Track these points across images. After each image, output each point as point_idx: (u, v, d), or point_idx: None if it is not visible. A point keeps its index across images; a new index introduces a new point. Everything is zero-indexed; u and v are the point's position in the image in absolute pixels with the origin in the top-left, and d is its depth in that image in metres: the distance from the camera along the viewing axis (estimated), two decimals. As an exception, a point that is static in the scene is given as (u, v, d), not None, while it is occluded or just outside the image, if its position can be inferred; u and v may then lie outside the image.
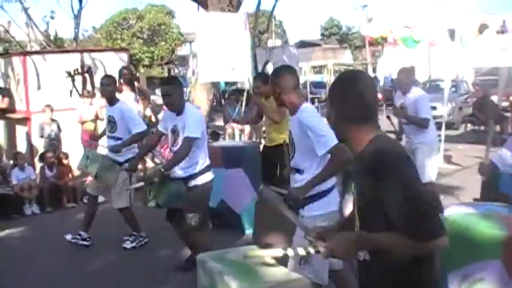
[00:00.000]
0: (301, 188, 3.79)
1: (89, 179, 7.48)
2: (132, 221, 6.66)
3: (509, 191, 4.65)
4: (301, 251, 2.34)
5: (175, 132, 5.38)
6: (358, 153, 2.33)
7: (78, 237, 6.74)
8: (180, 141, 5.29)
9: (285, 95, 4.01)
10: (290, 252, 2.34)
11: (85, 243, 6.70)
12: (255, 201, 5.98)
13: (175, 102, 5.33)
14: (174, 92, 5.32)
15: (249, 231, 6.67)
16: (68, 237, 6.78)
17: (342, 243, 2.25)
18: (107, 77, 6.87)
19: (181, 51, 41.02)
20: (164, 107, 7.08)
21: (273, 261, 2.48)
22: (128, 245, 6.58)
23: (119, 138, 6.42)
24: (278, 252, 2.36)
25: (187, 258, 5.79)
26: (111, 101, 6.52)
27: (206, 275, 2.48)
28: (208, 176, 5.43)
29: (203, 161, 5.40)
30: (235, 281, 2.25)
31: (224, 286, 2.30)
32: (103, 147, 6.76)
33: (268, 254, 2.38)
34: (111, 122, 6.49)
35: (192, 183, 5.33)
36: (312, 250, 2.33)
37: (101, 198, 7.19)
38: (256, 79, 7.67)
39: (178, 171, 5.32)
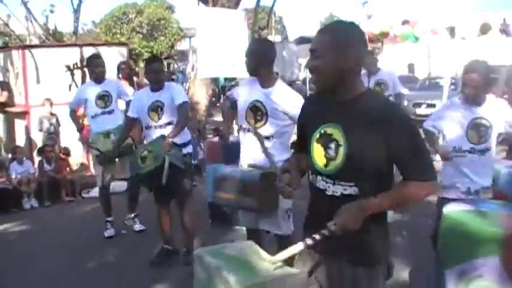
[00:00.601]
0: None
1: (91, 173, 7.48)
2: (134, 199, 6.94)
3: (507, 189, 4.67)
4: (317, 236, 2.35)
5: (157, 107, 5.54)
6: (351, 98, 2.42)
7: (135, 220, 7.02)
8: (167, 112, 5.51)
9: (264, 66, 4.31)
10: (309, 241, 2.36)
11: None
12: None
13: (162, 78, 5.62)
14: (161, 68, 5.69)
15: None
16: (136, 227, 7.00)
17: (351, 216, 2.31)
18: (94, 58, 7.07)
19: (181, 46, 40.94)
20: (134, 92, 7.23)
21: (269, 256, 2.48)
22: (137, 227, 6.92)
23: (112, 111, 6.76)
24: (299, 246, 2.39)
25: (167, 250, 5.89)
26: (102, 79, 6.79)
27: (203, 270, 2.47)
28: (190, 147, 5.77)
29: (187, 130, 5.70)
30: (233, 276, 2.25)
31: (221, 281, 2.29)
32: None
33: (290, 253, 2.40)
34: (105, 97, 6.71)
35: (185, 150, 5.57)
36: (326, 232, 2.34)
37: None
38: None
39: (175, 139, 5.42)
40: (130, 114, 5.81)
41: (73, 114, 6.94)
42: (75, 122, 6.97)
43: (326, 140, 2.46)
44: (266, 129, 4.27)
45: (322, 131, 2.48)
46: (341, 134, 2.40)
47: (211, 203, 6.96)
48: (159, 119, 5.57)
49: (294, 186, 2.61)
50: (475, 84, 4.13)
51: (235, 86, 7.68)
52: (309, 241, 2.36)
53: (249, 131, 4.37)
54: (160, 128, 5.55)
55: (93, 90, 6.69)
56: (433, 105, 16.94)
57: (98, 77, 6.73)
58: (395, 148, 2.31)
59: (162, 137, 5.30)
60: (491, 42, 11.25)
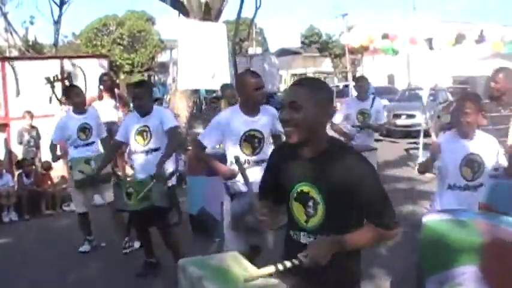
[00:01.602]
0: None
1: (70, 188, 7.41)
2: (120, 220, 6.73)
3: (488, 200, 4.71)
4: (288, 264, 2.39)
5: (145, 132, 5.49)
6: (321, 153, 2.50)
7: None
8: (154, 138, 5.46)
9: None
10: (280, 266, 2.40)
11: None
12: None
13: (146, 104, 5.52)
14: (145, 94, 5.54)
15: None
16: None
17: (322, 250, 2.38)
18: (74, 87, 7.06)
19: (162, 57, 40.97)
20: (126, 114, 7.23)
21: (252, 267, 2.51)
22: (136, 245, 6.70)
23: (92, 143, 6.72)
24: (270, 269, 2.42)
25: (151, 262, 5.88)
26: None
27: (187, 280, 2.49)
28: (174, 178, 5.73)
29: (173, 160, 5.56)
30: (214, 286, 2.27)
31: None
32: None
33: (261, 273, 2.42)
34: (86, 129, 6.68)
35: (170, 183, 5.47)
36: (296, 261, 2.39)
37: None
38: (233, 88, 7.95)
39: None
40: (117, 137, 5.78)
41: (53, 147, 6.86)
42: (52, 153, 6.90)
43: (304, 199, 2.56)
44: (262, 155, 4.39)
45: (299, 190, 2.57)
46: (317, 193, 2.51)
47: (192, 215, 7.00)
48: (145, 144, 5.52)
49: (269, 220, 2.67)
50: (468, 113, 4.14)
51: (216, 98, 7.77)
52: (280, 266, 2.41)
53: (245, 162, 4.34)
54: (147, 154, 5.53)
55: (74, 122, 6.68)
56: (413, 116, 17.09)
57: (79, 106, 6.74)
58: (365, 201, 2.44)
59: (150, 177, 5.30)
60: (468, 54, 11.40)
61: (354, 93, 12.36)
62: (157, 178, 5.26)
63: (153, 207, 5.34)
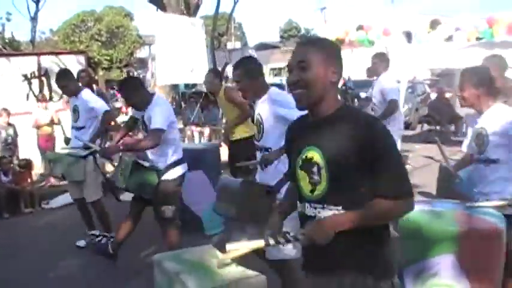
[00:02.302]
0: (273, 153, 4.13)
1: (51, 182, 7.36)
2: (105, 217, 6.63)
3: (463, 189, 4.77)
4: (281, 240, 2.36)
5: (143, 124, 5.46)
6: (330, 115, 2.38)
7: (92, 237, 6.68)
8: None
9: (254, 80, 4.33)
10: (271, 241, 2.37)
11: (104, 239, 6.56)
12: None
13: (135, 102, 5.45)
14: (130, 94, 5.43)
15: (209, 233, 6.75)
16: (81, 243, 6.73)
17: (320, 229, 2.29)
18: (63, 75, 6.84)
19: (140, 53, 40.76)
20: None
21: (229, 260, 2.50)
22: (81, 243, 6.68)
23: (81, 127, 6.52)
24: (259, 243, 2.39)
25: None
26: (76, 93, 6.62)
27: (163, 275, 2.49)
28: (177, 171, 5.41)
29: (172, 155, 5.39)
30: (192, 280, 2.27)
31: (181, 285, 2.32)
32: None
33: (248, 246, 2.38)
34: (75, 111, 6.57)
35: (164, 177, 5.33)
36: (291, 238, 2.35)
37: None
38: (209, 73, 7.95)
39: (151, 161, 5.38)
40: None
41: None
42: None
43: (308, 166, 2.41)
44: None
45: (304, 157, 2.43)
46: (321, 157, 2.35)
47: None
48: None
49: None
50: (465, 88, 4.18)
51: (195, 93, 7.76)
52: (271, 241, 2.38)
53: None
54: None
55: (71, 102, 6.68)
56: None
57: (66, 94, 6.70)
58: (373, 161, 2.25)
59: (134, 163, 5.25)
60: (445, 46, 11.50)
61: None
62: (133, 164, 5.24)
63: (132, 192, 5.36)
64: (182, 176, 5.47)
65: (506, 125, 4.00)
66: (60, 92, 9.69)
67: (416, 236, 3.60)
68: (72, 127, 6.62)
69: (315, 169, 2.38)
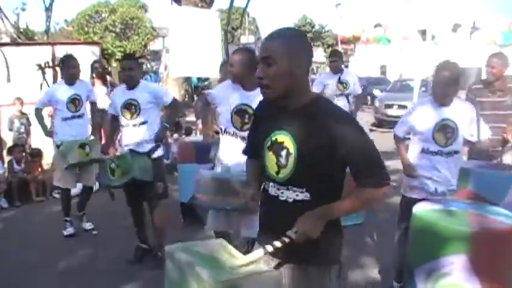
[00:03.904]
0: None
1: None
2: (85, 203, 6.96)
3: (477, 189, 4.75)
4: (278, 244, 2.39)
5: (132, 105, 5.51)
6: (303, 106, 2.44)
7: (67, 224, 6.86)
8: (142, 111, 5.50)
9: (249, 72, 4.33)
10: (269, 248, 2.40)
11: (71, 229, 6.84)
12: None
13: (136, 76, 5.57)
14: (135, 66, 5.60)
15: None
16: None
17: (312, 223, 2.37)
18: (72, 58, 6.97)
19: (154, 45, 40.75)
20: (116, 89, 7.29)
21: (239, 253, 2.52)
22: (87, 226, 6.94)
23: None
24: (259, 253, 2.42)
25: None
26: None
27: (175, 266, 2.47)
28: (160, 150, 5.66)
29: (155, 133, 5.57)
30: (206, 272, 2.26)
31: (194, 277, 2.30)
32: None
33: (251, 259, 2.42)
34: (77, 100, 6.72)
35: (155, 154, 5.51)
36: (286, 239, 2.38)
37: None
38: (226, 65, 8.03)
39: (144, 144, 5.48)
40: (110, 111, 5.82)
41: (39, 112, 6.91)
42: (41, 122, 6.98)
43: (277, 148, 2.49)
44: None
45: (274, 139, 2.51)
46: (291, 142, 2.44)
47: (183, 202, 6.99)
48: (136, 115, 5.53)
49: (256, 200, 2.68)
50: (445, 82, 4.20)
51: (209, 88, 7.77)
52: (269, 248, 2.41)
53: (233, 134, 4.47)
54: (134, 127, 5.54)
55: (64, 92, 6.67)
56: (404, 107, 17.15)
57: (72, 77, 6.72)
58: (347, 155, 2.36)
59: (131, 152, 5.41)
60: (460, 46, 11.44)
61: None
62: (158, 140, 5.42)
63: (137, 182, 5.40)
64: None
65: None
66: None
67: (429, 235, 3.58)
68: (73, 116, 6.73)
69: (283, 153, 2.47)
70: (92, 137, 7.01)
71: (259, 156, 2.63)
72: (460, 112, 4.32)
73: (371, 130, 10.56)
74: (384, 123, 17.46)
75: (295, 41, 2.43)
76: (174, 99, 5.74)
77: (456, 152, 4.37)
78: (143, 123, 5.53)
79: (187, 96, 20.22)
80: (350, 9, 54.88)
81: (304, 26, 60.66)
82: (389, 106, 18.16)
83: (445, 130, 4.28)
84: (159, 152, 5.57)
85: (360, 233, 6.38)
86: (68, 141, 6.59)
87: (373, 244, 6.16)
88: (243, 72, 4.40)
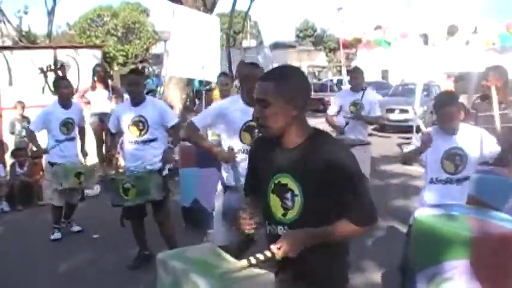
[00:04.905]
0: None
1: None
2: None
3: (479, 194, 4.73)
4: (261, 257, 2.40)
5: (141, 122, 5.47)
6: (300, 144, 2.44)
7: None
8: (150, 128, 5.48)
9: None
10: (252, 260, 2.40)
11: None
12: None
13: (143, 91, 5.63)
14: (142, 81, 5.65)
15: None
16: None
17: (294, 242, 2.36)
18: (64, 79, 7.25)
19: (156, 49, 40.82)
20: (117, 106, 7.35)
21: (233, 258, 2.52)
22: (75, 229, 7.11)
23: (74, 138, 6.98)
24: (242, 263, 2.43)
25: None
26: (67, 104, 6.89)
27: (168, 273, 2.46)
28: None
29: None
30: (202, 279, 2.25)
31: (189, 284, 2.30)
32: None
33: (235, 268, 2.42)
34: (69, 124, 6.88)
35: (165, 171, 5.60)
36: (268, 254, 2.39)
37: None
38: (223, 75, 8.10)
39: (154, 162, 5.48)
40: (111, 128, 5.78)
41: (33, 135, 6.96)
42: (34, 143, 7.01)
43: (281, 190, 2.49)
44: None
45: (277, 181, 2.50)
46: (294, 184, 2.44)
47: (185, 206, 7.00)
48: (144, 132, 5.50)
49: (256, 220, 2.61)
50: (453, 117, 4.16)
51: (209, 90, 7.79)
52: (253, 260, 2.41)
53: (243, 151, 4.25)
54: (143, 144, 5.50)
55: (58, 116, 6.78)
56: (406, 111, 17.16)
57: (65, 98, 6.86)
58: (342, 192, 2.37)
59: (149, 172, 5.39)
60: (462, 49, 11.43)
61: (348, 86, 12.30)
62: (166, 161, 5.50)
63: (149, 201, 5.44)
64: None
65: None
66: (74, 86, 9.71)
67: (431, 240, 3.58)
68: (66, 139, 6.86)
69: (288, 195, 2.47)
70: (83, 160, 7.29)
71: (258, 194, 2.64)
72: (470, 138, 4.27)
73: (370, 135, 10.53)
74: (385, 127, 17.43)
75: (290, 82, 2.41)
76: (179, 123, 5.72)
77: (467, 179, 4.32)
78: (151, 140, 5.51)
79: (188, 100, 20.21)
80: (352, 13, 54.77)
81: (306, 30, 60.69)
82: (391, 110, 18.10)
83: (454, 158, 4.23)
84: (166, 168, 5.69)
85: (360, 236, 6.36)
86: (65, 166, 6.79)
87: (373, 247, 6.15)
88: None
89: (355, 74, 7.76)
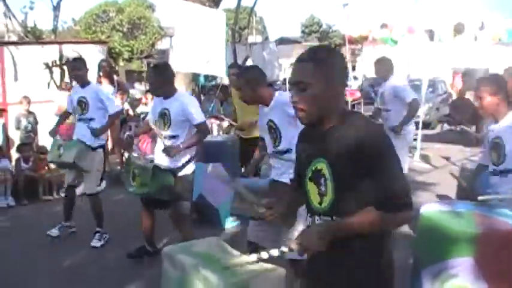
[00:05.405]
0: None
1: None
2: (99, 211, 6.63)
3: (484, 191, 4.71)
4: (276, 252, 2.34)
5: (165, 115, 5.38)
6: (333, 125, 2.32)
7: (61, 227, 6.78)
8: (171, 124, 5.34)
9: (261, 87, 4.27)
10: (264, 255, 2.35)
11: (71, 230, 6.86)
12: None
13: (160, 86, 5.44)
14: (159, 77, 5.44)
15: (227, 226, 6.78)
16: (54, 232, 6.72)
17: (314, 238, 2.22)
18: (77, 60, 6.96)
19: (161, 45, 40.71)
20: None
21: (236, 252, 2.51)
22: (96, 243, 6.48)
23: (90, 119, 6.50)
24: (252, 258, 2.39)
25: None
26: (83, 84, 6.63)
27: (175, 268, 2.44)
28: (191, 167, 5.56)
29: (191, 150, 5.48)
30: (214, 274, 2.23)
31: (199, 279, 2.28)
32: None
33: (244, 262, 2.39)
34: (83, 103, 6.54)
35: (182, 172, 5.43)
36: (285, 249, 2.31)
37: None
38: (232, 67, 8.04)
39: (168, 162, 5.38)
40: (149, 119, 5.82)
41: (62, 115, 7.13)
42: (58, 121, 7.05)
43: (317, 177, 2.36)
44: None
45: (313, 168, 2.37)
46: (327, 168, 2.30)
47: (195, 202, 7.00)
48: (165, 127, 5.42)
49: (276, 212, 2.57)
50: (484, 96, 4.05)
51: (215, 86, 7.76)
52: (264, 255, 2.35)
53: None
54: (164, 139, 5.41)
55: (76, 96, 6.68)
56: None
57: (76, 80, 6.79)
58: (373, 175, 2.18)
59: (154, 167, 5.29)
60: (468, 45, 11.39)
61: (352, 83, 12.19)
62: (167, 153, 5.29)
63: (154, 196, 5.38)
64: (194, 172, 5.60)
65: None
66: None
67: (436, 236, 3.56)
68: (80, 119, 6.62)
69: (322, 180, 2.33)
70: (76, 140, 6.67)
71: (300, 186, 2.53)
72: (507, 127, 4.07)
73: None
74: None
75: (328, 62, 2.30)
76: (202, 123, 5.45)
77: (510, 171, 4.04)
78: (172, 137, 5.39)
79: (194, 95, 20.24)
80: (357, 9, 54.63)
81: (311, 25, 60.57)
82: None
83: (496, 148, 4.10)
84: (186, 170, 5.49)
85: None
86: (55, 140, 6.72)
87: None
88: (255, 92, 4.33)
89: (380, 64, 7.96)
